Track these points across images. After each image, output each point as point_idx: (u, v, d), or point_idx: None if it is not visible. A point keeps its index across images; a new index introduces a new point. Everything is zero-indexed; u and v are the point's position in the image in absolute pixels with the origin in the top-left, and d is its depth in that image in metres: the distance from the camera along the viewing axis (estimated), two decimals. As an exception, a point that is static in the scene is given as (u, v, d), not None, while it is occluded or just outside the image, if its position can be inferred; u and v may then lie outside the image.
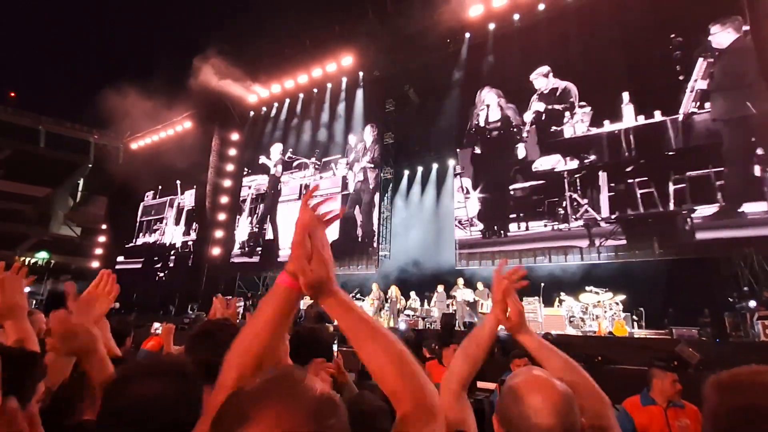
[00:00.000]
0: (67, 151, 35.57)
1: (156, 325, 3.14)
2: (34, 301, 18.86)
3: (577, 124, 10.19)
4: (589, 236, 9.53)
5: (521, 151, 10.91)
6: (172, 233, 19.44)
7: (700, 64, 8.88)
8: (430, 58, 13.30)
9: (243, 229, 16.90)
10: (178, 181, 19.78)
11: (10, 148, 34.20)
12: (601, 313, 8.68)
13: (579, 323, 8.86)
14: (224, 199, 18.18)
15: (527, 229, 10.48)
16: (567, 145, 10.24)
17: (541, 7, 11.28)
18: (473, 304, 10.51)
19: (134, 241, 20.68)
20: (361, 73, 14.85)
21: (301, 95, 16.43)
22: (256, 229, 16.32)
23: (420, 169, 15.19)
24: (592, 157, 9.83)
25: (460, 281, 10.91)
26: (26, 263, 29.87)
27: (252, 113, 18.25)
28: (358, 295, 12.42)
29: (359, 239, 13.60)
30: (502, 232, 10.86)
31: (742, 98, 8.32)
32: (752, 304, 7.51)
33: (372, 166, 13.97)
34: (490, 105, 11.72)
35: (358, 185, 14.20)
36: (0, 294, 1.47)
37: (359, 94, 14.89)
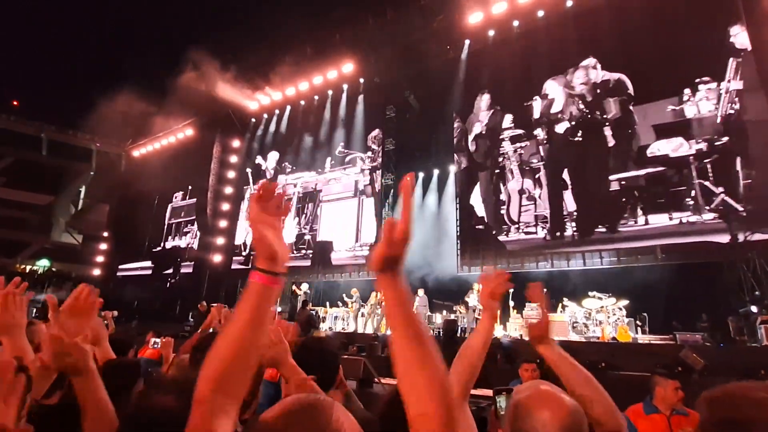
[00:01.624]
0: (69, 159, 35.68)
1: (154, 340, 3.13)
2: (34, 309, 18.81)
3: (701, 102, 8.99)
4: (730, 230, 8.27)
5: (634, 135, 9.56)
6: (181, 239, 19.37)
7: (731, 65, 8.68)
8: (430, 64, 13.38)
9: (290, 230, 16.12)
10: (189, 187, 19.71)
11: (12, 156, 34.35)
12: (605, 318, 8.63)
13: (582, 329, 8.82)
14: (225, 206, 18.21)
15: (647, 223, 9.14)
16: (689, 127, 9.02)
17: (541, 13, 11.36)
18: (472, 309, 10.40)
19: (162, 244, 19.90)
20: (362, 80, 14.93)
21: (302, 102, 16.52)
22: (305, 231, 15.61)
23: (421, 175, 15.22)
24: (724, 140, 8.61)
25: (476, 286, 10.70)
26: (27, 271, 29.94)
27: (253, 120, 18.34)
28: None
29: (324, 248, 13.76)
30: (603, 228, 9.52)
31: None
32: (753, 309, 7.47)
33: (370, 171, 14.02)
34: (555, 97, 11.03)
35: (359, 191, 14.27)
36: (2, 310, 1.45)
37: (360, 100, 14.97)
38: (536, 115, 11.04)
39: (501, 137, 11.52)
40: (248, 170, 17.73)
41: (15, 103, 36.24)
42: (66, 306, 1.41)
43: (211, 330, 2.45)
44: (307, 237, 15.06)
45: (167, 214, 20.21)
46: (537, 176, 10.71)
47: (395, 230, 0.81)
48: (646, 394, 3.11)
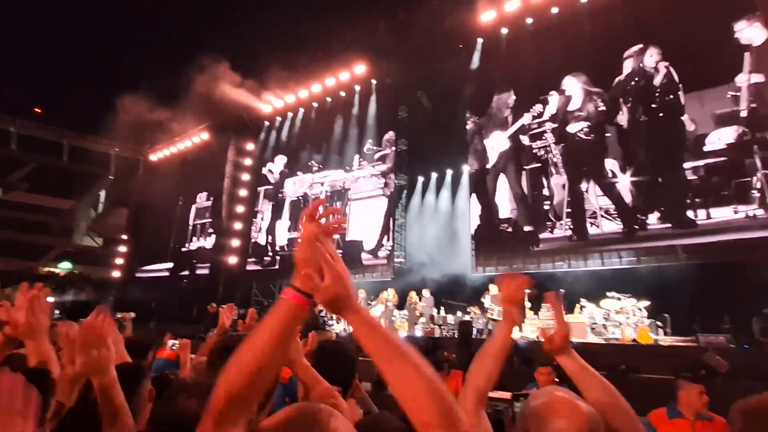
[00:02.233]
0: (89, 164, 36.62)
1: (171, 342, 3.20)
2: (57, 311, 19.34)
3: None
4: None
5: (689, 124, 8.94)
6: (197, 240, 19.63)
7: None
8: (442, 64, 13.32)
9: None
10: (205, 192, 19.95)
11: (35, 161, 35.40)
12: (624, 319, 8.44)
13: (601, 330, 8.63)
14: (240, 209, 18.42)
15: (708, 217, 8.46)
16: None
17: (555, 10, 11.20)
18: (487, 310, 10.26)
19: (187, 245, 20.03)
20: (374, 81, 14.95)
21: (315, 104, 16.62)
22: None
23: (434, 175, 15.15)
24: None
25: (493, 288, 10.41)
26: (50, 273, 30.75)
27: (267, 123, 18.51)
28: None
29: (374, 247, 13.63)
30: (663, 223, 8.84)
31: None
32: None
33: (382, 172, 14.02)
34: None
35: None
36: (24, 314, 1.51)
37: (372, 101, 14.97)
38: (574, 106, 10.52)
39: (538, 131, 10.98)
40: (264, 170, 17.76)
41: (37, 110, 37.32)
42: (82, 337, 1.39)
43: (227, 332, 2.47)
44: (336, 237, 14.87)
45: (191, 215, 20.39)
46: (583, 169, 10.09)
47: (312, 281, 0.81)
48: (669, 397, 3.01)
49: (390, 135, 14.25)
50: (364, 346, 0.82)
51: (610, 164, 9.68)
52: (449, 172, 14.63)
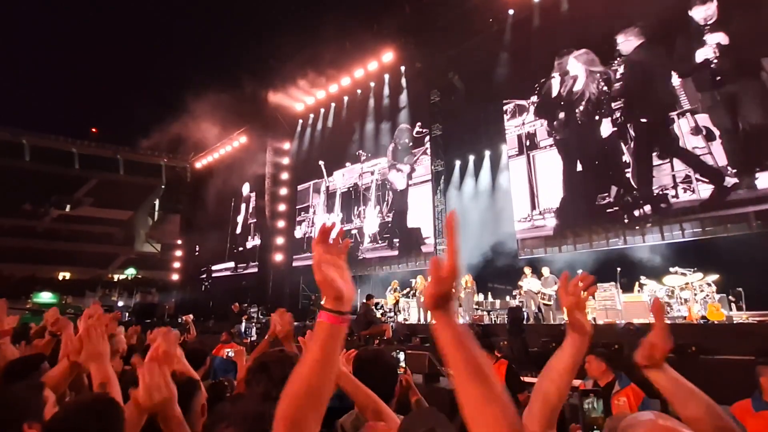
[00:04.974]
0: (142, 176, 39.15)
1: (227, 351, 3.39)
2: (126, 314, 20.88)
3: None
4: None
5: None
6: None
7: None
8: (472, 41, 12.79)
9: (372, 221, 15.51)
10: (250, 194, 20.53)
11: (96, 177, 38.25)
12: (691, 296, 7.78)
13: (665, 309, 8.03)
14: (282, 207, 18.87)
15: None
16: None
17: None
18: (537, 294, 9.81)
19: (243, 245, 20.72)
20: (402, 68, 14.66)
21: (346, 98, 16.58)
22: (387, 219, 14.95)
23: (472, 157, 14.69)
24: None
25: (528, 270, 10.10)
26: (117, 280, 33.19)
27: (300, 121, 18.73)
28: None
29: (413, 235, 13.50)
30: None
31: None
32: None
33: (417, 160, 13.80)
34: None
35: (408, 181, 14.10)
36: (86, 341, 1.62)
37: (403, 87, 14.71)
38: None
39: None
40: (321, 163, 17.52)
41: (94, 130, 40.18)
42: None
43: (276, 337, 2.50)
44: (385, 222, 14.67)
45: (240, 217, 21.15)
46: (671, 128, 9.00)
47: (442, 268, 0.82)
48: (748, 381, 2.67)
49: (423, 121, 13.97)
50: (444, 351, 0.81)
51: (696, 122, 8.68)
52: (487, 153, 14.11)
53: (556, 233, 10.47)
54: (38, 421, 1.33)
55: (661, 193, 8.87)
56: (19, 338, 3.20)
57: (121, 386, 1.60)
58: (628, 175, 9.37)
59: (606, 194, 9.64)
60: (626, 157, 9.52)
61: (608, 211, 9.54)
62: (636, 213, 9.11)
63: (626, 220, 9.26)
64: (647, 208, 9.00)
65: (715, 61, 8.53)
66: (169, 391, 1.32)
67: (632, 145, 9.43)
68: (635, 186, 9.24)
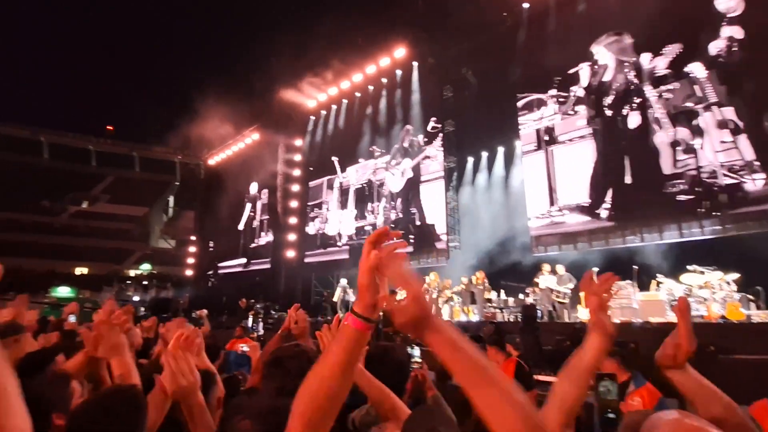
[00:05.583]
0: (157, 173, 39.75)
1: (241, 346, 3.49)
2: (142, 309, 21.24)
3: None
4: None
5: None
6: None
7: None
8: (486, 36, 12.64)
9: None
10: (262, 190, 20.65)
11: (112, 174, 38.96)
12: (710, 295, 7.61)
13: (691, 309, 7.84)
14: (294, 203, 18.96)
15: None
16: None
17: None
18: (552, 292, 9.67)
19: (256, 240, 20.80)
20: (415, 64, 14.57)
21: (358, 94, 16.54)
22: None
23: (485, 154, 14.54)
24: None
25: (546, 267, 9.86)
26: (133, 275, 33.78)
27: (312, 118, 18.76)
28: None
29: (427, 232, 13.44)
30: None
31: None
32: None
33: (430, 156, 13.73)
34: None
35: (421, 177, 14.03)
36: (105, 336, 1.69)
37: (415, 84, 14.62)
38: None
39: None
40: (334, 159, 17.31)
41: (110, 127, 40.87)
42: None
43: (289, 332, 2.52)
44: (406, 218, 14.46)
45: (255, 213, 21.23)
46: (694, 122, 8.70)
47: (390, 302, 0.83)
48: (766, 380, 2.60)
49: (436, 117, 13.87)
50: (448, 367, 0.78)
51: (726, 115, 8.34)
52: (500, 150, 13.94)
53: (571, 231, 10.28)
54: (65, 412, 1.36)
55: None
56: (39, 332, 3.29)
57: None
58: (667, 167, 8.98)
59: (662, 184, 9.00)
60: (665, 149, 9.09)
61: (678, 199, 8.81)
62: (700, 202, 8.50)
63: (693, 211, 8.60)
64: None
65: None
66: (194, 377, 1.34)
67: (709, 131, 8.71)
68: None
